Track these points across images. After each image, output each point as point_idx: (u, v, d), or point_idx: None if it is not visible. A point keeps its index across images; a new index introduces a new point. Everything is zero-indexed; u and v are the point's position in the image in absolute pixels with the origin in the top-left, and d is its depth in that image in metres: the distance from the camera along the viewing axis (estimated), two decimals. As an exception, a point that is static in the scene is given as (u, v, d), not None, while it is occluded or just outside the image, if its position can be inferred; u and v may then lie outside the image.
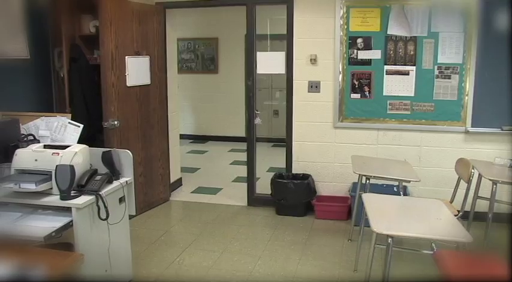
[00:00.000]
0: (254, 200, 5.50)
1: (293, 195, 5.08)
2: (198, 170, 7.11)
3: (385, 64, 4.90)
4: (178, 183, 6.27)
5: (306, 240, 4.54)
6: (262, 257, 4.21)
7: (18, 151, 3.07)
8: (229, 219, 5.15)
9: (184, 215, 5.42)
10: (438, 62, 4.79)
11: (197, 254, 4.27)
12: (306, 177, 5.18)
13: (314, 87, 5.09)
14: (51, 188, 2.95)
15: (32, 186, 2.87)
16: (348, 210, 5.02)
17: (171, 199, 5.76)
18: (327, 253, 4.27)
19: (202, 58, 9.09)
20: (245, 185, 5.59)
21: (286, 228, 4.84)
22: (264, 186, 5.49)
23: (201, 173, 7.01)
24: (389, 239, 2.70)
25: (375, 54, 4.91)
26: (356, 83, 4.98)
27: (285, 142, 5.36)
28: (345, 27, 4.92)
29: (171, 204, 5.68)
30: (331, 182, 5.25)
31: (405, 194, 4.52)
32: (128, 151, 3.35)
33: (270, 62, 5.22)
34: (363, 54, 4.93)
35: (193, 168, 7.10)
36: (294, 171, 5.30)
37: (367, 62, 4.93)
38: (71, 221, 2.89)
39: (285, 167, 5.38)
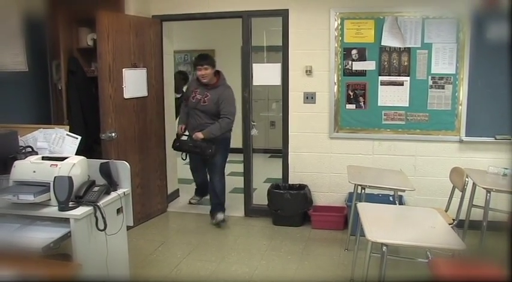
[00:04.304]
0: (251, 210, 5.52)
1: (290, 206, 5.11)
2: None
3: (380, 75, 4.96)
4: (176, 194, 6.29)
5: (303, 250, 4.57)
6: (259, 267, 4.23)
7: (17, 163, 3.09)
8: (227, 229, 5.17)
9: (182, 226, 5.43)
10: (432, 72, 4.86)
11: (194, 264, 4.28)
12: (302, 187, 5.22)
13: (310, 98, 5.14)
14: (50, 199, 2.96)
15: (30, 198, 2.88)
16: (344, 220, 5.05)
17: (168, 210, 5.78)
18: (324, 263, 4.29)
19: (199, 70, 9.12)
20: (242, 195, 5.62)
21: (283, 239, 4.86)
22: (261, 197, 5.51)
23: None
24: (384, 247, 2.72)
25: (370, 65, 4.97)
26: (351, 93, 5.03)
27: (281, 153, 5.40)
28: (340, 38, 4.99)
29: (168, 215, 5.70)
30: (327, 192, 5.28)
31: (401, 203, 4.55)
32: (125, 162, 3.37)
33: (265, 74, 5.28)
34: (357, 65, 4.99)
35: (190, 179, 7.06)
36: (290, 182, 5.34)
37: (362, 73, 4.99)
38: (69, 231, 2.89)
39: (281, 177, 5.41)
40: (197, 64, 5.07)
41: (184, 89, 6.58)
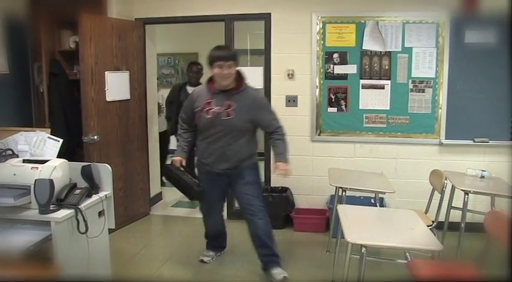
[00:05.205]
0: (233, 213, 5.52)
1: (272, 208, 5.08)
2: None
3: (361, 78, 5.01)
4: (158, 197, 6.28)
5: (285, 253, 4.56)
6: (241, 269, 4.24)
7: (-3, 166, 3.08)
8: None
9: (164, 229, 5.43)
10: (412, 76, 4.93)
11: (177, 267, 4.29)
12: (284, 190, 5.24)
13: (291, 101, 5.17)
14: (30, 202, 2.95)
15: (10, 201, 2.87)
16: (326, 222, 5.09)
17: (151, 213, 5.78)
18: (305, 265, 4.32)
19: (182, 73, 9.14)
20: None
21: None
22: (243, 200, 5.51)
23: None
24: (363, 249, 2.76)
25: (351, 69, 5.02)
26: (333, 97, 5.08)
27: (263, 156, 5.41)
28: (321, 42, 5.03)
29: (151, 218, 5.69)
30: (309, 195, 5.31)
31: (382, 206, 4.61)
32: (107, 165, 3.37)
33: (248, 77, 5.28)
34: (339, 69, 5.04)
35: (173, 182, 7.11)
36: (272, 185, 5.36)
37: (343, 77, 5.04)
38: (50, 234, 2.89)
39: (263, 180, 5.43)
40: (217, 60, 3.67)
41: (202, 80, 5.79)
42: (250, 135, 3.85)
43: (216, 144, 3.79)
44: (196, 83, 5.69)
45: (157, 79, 7.21)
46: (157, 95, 6.69)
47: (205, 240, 4.50)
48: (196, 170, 4.14)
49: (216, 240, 4.43)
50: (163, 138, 6.75)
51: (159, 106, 6.67)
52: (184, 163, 3.99)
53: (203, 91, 3.86)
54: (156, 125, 6.11)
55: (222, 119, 3.70)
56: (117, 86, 4.99)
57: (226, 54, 3.69)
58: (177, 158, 4.00)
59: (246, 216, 3.98)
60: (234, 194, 4.07)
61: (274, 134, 3.85)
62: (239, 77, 3.79)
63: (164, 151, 6.73)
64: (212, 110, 3.72)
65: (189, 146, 4.09)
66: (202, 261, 4.34)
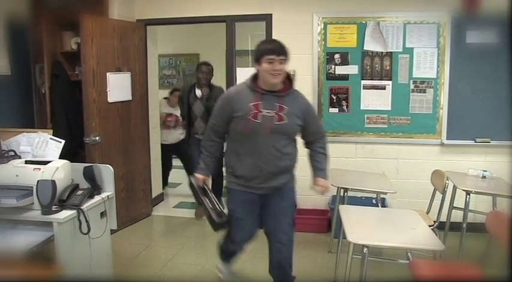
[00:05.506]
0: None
1: (274, 209, 5.10)
2: (179, 185, 7.12)
3: (362, 79, 5.02)
4: (160, 198, 6.29)
5: (287, 253, 4.59)
6: (243, 270, 4.24)
7: (-1, 167, 3.09)
8: (211, 233, 5.08)
9: (166, 229, 5.43)
10: (413, 76, 4.93)
11: (179, 267, 4.29)
12: (286, 190, 5.23)
13: (293, 102, 5.16)
14: (33, 203, 2.96)
15: (12, 202, 2.88)
16: (327, 222, 5.09)
17: (153, 214, 5.78)
18: (307, 265, 4.33)
19: (183, 74, 9.16)
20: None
21: (266, 242, 4.86)
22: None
23: (183, 188, 7.00)
24: (365, 249, 2.77)
25: (352, 70, 5.02)
26: (334, 97, 5.09)
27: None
28: (323, 43, 5.04)
29: (153, 219, 5.69)
30: (311, 195, 5.27)
31: (383, 206, 4.61)
32: (109, 166, 3.38)
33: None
34: (340, 70, 5.05)
35: (175, 183, 7.11)
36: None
37: (345, 77, 5.04)
38: (52, 235, 2.90)
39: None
40: (266, 54, 3.12)
41: (212, 80, 5.53)
42: (295, 142, 3.41)
43: (266, 155, 3.24)
44: (206, 85, 5.44)
45: (178, 90, 6.72)
46: (178, 106, 6.42)
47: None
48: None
49: (233, 254, 3.82)
50: (182, 147, 6.42)
51: (177, 120, 6.51)
52: (208, 183, 3.53)
53: (244, 92, 3.23)
54: (157, 126, 6.12)
55: (276, 123, 3.16)
56: (118, 87, 5.00)
57: (278, 47, 3.12)
58: (201, 177, 3.43)
59: (274, 243, 3.48)
60: (267, 214, 3.46)
61: (317, 143, 3.46)
62: (287, 79, 3.28)
63: (186, 158, 6.22)
64: (262, 113, 3.15)
65: (215, 162, 3.51)
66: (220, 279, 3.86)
